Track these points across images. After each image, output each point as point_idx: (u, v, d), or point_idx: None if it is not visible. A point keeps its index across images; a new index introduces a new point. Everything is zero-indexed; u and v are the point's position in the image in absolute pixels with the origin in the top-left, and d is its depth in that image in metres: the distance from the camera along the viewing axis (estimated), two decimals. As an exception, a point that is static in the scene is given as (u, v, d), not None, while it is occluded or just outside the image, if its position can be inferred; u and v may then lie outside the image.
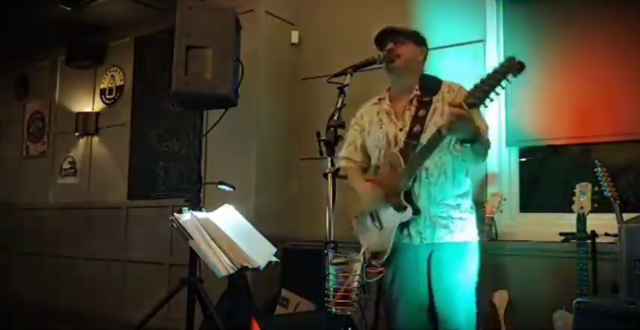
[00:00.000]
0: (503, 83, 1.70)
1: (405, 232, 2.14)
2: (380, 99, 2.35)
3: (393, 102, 2.29)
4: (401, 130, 2.19)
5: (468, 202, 2.23)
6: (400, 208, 2.08)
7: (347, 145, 2.40)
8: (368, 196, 2.22)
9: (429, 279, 2.15)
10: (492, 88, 1.72)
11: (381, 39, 2.27)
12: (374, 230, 2.21)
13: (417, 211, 2.06)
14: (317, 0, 4.15)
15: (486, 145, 2.12)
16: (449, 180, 2.16)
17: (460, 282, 2.15)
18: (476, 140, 1.97)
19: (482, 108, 1.86)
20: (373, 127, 2.30)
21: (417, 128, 2.11)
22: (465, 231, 2.18)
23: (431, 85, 2.19)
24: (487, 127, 2.18)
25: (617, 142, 3.01)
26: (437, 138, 1.95)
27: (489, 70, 1.73)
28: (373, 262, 2.17)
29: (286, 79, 4.08)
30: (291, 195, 3.98)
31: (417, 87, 2.21)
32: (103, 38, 5.22)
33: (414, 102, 2.19)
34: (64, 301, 5.02)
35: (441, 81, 2.23)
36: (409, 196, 2.08)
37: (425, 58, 2.32)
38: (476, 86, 1.75)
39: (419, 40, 2.29)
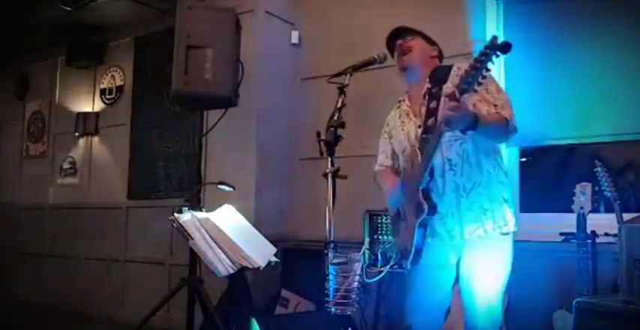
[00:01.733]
0: (489, 65, 1.65)
1: (430, 230, 2.01)
2: (400, 101, 2.30)
3: (411, 101, 2.23)
4: (420, 126, 2.11)
5: (502, 189, 2.08)
6: (419, 207, 1.96)
7: (380, 153, 2.36)
8: (389, 188, 2.17)
9: (456, 279, 2.08)
10: (479, 71, 1.66)
11: (391, 40, 2.23)
12: (403, 230, 2.10)
13: (432, 210, 1.92)
14: (317, 0, 4.15)
15: (495, 125, 1.97)
16: (474, 168, 2.04)
17: (488, 277, 2.04)
18: (476, 126, 1.86)
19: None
20: (396, 130, 2.25)
21: (430, 121, 2.02)
22: (497, 222, 2.04)
23: (441, 75, 2.10)
24: (503, 105, 2.02)
25: (617, 142, 3.01)
26: (436, 134, 1.88)
27: (476, 53, 1.70)
28: (404, 264, 2.05)
29: (286, 79, 4.08)
30: (291, 195, 3.98)
31: (428, 81, 2.14)
32: (103, 38, 5.22)
33: (426, 96, 2.12)
34: (64, 301, 5.01)
35: (451, 67, 2.12)
36: (427, 193, 1.96)
37: (439, 56, 2.25)
38: (466, 71, 1.70)
39: (429, 39, 2.24)
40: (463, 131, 1.87)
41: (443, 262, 2.09)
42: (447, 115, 1.75)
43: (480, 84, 1.69)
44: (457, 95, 1.70)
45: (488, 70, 1.66)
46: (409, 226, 2.01)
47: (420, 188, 1.93)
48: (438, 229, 2.04)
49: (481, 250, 2.03)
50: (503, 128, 1.98)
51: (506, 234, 2.05)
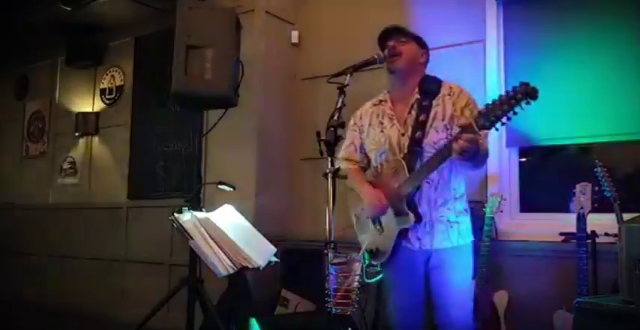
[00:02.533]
0: (517, 109, 1.67)
1: (404, 236, 2.16)
2: (380, 101, 2.33)
3: (394, 105, 2.27)
4: (403, 135, 2.18)
5: (464, 205, 2.24)
6: (402, 215, 2.10)
7: (346, 145, 2.40)
8: (370, 199, 2.21)
9: (426, 281, 2.20)
10: (505, 113, 1.68)
11: (384, 38, 2.25)
12: (375, 232, 2.23)
13: (419, 219, 2.08)
14: (317, 0, 4.15)
15: (485, 155, 2.11)
16: (446, 184, 2.17)
17: (457, 282, 2.18)
18: (477, 155, 1.95)
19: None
20: (373, 128, 2.29)
21: (418, 134, 2.12)
22: (461, 234, 2.20)
23: (431, 88, 2.19)
24: (486, 134, 2.11)
25: (617, 142, 3.01)
26: (444, 156, 1.94)
27: (502, 92, 1.70)
28: (373, 262, 2.22)
29: (286, 79, 4.08)
30: (291, 195, 3.98)
31: (417, 90, 2.20)
32: (103, 38, 5.22)
33: (415, 107, 2.18)
34: (64, 301, 5.01)
35: (441, 82, 2.22)
36: (411, 203, 2.09)
37: (426, 62, 2.30)
38: (487, 107, 1.71)
39: (421, 43, 2.28)
40: (469, 159, 1.94)
41: (414, 266, 2.20)
42: (464, 147, 1.79)
43: (503, 125, 1.72)
44: (475, 128, 1.74)
45: (515, 113, 1.68)
46: (385, 229, 2.18)
47: (406, 198, 2.08)
48: (411, 236, 2.16)
49: (449, 259, 2.17)
50: (485, 159, 2.13)
51: (465, 245, 2.22)
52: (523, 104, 1.65)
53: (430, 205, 2.15)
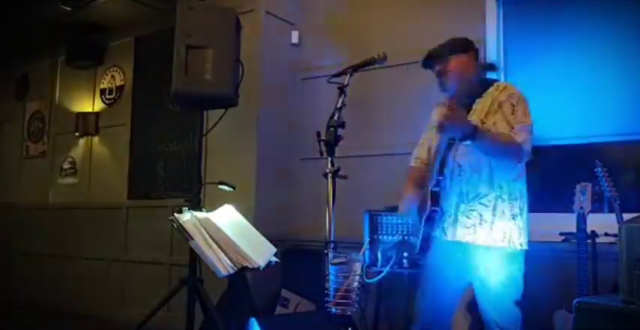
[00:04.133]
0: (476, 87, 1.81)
1: (435, 226, 2.17)
2: (439, 104, 2.35)
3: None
4: None
5: (510, 206, 2.14)
6: (425, 204, 2.15)
7: (419, 145, 2.45)
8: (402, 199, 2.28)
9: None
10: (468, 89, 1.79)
11: (427, 65, 2.27)
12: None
13: (434, 210, 2.10)
14: (317, 0, 4.15)
15: (499, 144, 2.05)
16: (484, 179, 2.12)
17: (496, 285, 2.14)
18: (473, 138, 1.95)
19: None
20: (432, 128, 2.31)
21: None
22: (494, 234, 2.11)
23: (481, 89, 2.20)
24: (520, 129, 2.08)
25: (617, 142, 3.01)
26: (442, 140, 2.01)
27: None
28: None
29: (286, 79, 4.08)
30: (291, 195, 3.98)
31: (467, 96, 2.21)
32: (103, 38, 5.22)
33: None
34: (64, 301, 5.01)
35: (494, 82, 2.22)
36: (435, 195, 2.11)
37: (476, 61, 2.26)
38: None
39: (463, 48, 2.24)
40: (461, 139, 1.99)
41: (446, 259, 2.19)
42: (439, 120, 1.89)
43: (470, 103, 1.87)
44: (455, 106, 1.85)
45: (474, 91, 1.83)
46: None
47: (431, 190, 2.11)
48: (437, 226, 2.17)
49: (480, 259, 2.14)
50: (509, 150, 2.05)
51: (500, 248, 2.12)
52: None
53: (461, 197, 2.14)
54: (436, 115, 2.34)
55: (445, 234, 2.17)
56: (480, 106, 2.16)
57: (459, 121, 1.91)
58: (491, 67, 1.75)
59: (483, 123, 2.09)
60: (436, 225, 2.17)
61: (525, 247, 2.18)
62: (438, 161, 2.11)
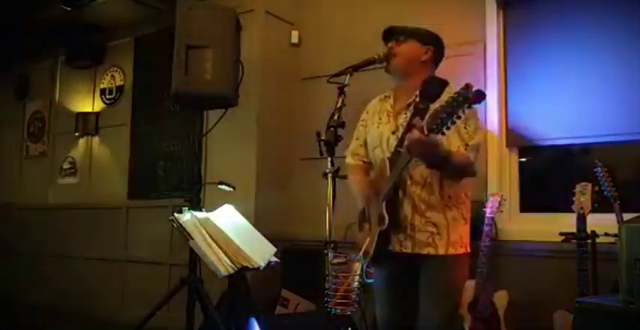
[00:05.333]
0: (460, 112, 1.62)
1: (390, 239, 2.05)
2: (386, 96, 2.27)
3: (395, 101, 2.20)
4: (393, 132, 2.11)
5: (459, 213, 2.09)
6: (381, 217, 2.00)
7: (354, 139, 2.34)
8: (361, 195, 2.17)
9: (409, 285, 2.11)
10: (450, 116, 1.64)
11: (385, 38, 2.21)
12: (367, 230, 2.13)
13: (393, 224, 1.97)
14: (317, 0, 4.15)
15: (461, 167, 1.99)
16: (436, 192, 2.05)
17: (439, 293, 2.06)
18: (442, 166, 1.88)
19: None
20: (372, 123, 2.24)
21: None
22: (450, 243, 2.05)
23: (432, 90, 2.04)
24: (474, 146, 2.00)
25: (616, 142, 3.01)
26: (403, 158, 1.88)
27: (453, 94, 1.64)
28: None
29: (286, 79, 4.08)
30: (291, 195, 3.98)
31: (417, 93, 2.07)
32: (103, 38, 5.22)
33: (411, 108, 2.08)
34: (64, 301, 5.01)
35: (447, 85, 2.06)
36: (392, 206, 1.99)
37: (432, 59, 2.17)
38: (436, 111, 1.67)
39: (425, 39, 2.15)
40: (429, 166, 1.92)
41: (399, 272, 2.12)
42: (410, 144, 1.76)
43: (448, 128, 1.67)
44: (425, 132, 1.70)
45: (459, 117, 1.64)
46: (372, 230, 2.06)
47: (383, 201, 1.98)
48: (393, 240, 2.05)
49: (432, 269, 2.06)
50: (466, 171, 2.03)
51: (454, 255, 2.06)
52: (465, 107, 1.60)
53: (414, 210, 2.04)
54: (372, 109, 2.27)
55: (401, 246, 2.05)
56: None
57: (432, 148, 1.78)
58: (476, 94, 1.61)
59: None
60: (391, 236, 2.04)
61: (468, 249, 2.14)
62: (395, 174, 1.97)
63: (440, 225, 2.05)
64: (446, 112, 1.64)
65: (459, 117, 1.64)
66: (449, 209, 2.07)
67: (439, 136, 1.75)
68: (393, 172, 1.97)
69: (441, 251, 2.04)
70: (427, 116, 1.74)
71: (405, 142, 1.79)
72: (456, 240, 2.07)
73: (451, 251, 2.05)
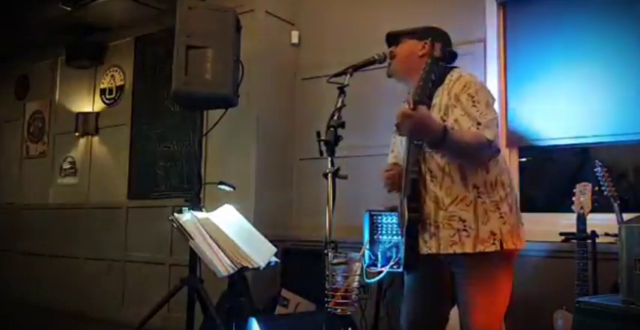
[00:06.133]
0: (432, 76, 1.62)
1: (417, 238, 1.93)
2: (403, 102, 2.15)
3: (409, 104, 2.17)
4: None
5: (492, 204, 1.88)
6: (402, 216, 1.95)
7: (390, 151, 2.27)
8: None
9: (440, 289, 2.03)
10: (426, 83, 1.62)
11: (389, 44, 2.17)
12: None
13: (414, 219, 1.87)
14: (317, 0, 4.15)
15: (470, 145, 1.82)
16: (457, 182, 1.88)
17: (468, 299, 1.90)
18: (442, 142, 1.75)
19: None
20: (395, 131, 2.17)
21: None
22: (479, 240, 1.85)
23: (440, 81, 1.94)
24: (488, 123, 1.84)
25: (617, 142, 3.01)
26: (407, 144, 1.83)
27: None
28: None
29: (286, 79, 4.08)
30: (291, 195, 3.98)
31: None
32: (103, 38, 5.22)
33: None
34: (64, 301, 5.01)
35: (448, 71, 1.97)
36: (413, 201, 1.90)
37: (432, 52, 2.03)
38: (419, 83, 1.68)
39: (422, 35, 2.08)
40: (430, 146, 1.81)
41: (428, 275, 2.03)
42: (397, 121, 1.69)
43: (430, 97, 1.64)
44: (412, 105, 1.65)
45: (433, 81, 1.63)
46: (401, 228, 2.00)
47: (406, 196, 1.91)
48: (420, 241, 1.93)
49: (463, 269, 1.91)
50: (480, 148, 1.84)
51: (492, 253, 1.85)
52: (435, 68, 1.63)
53: (437, 204, 1.90)
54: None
55: (427, 247, 1.91)
56: (439, 100, 1.93)
57: (423, 121, 1.67)
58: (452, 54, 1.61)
59: (443, 120, 1.86)
60: (417, 236, 1.92)
61: (519, 246, 1.94)
62: (405, 163, 1.88)
63: (467, 219, 1.86)
64: (424, 80, 1.63)
65: (433, 81, 1.62)
66: (479, 200, 1.87)
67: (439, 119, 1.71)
68: (405, 162, 1.92)
69: (468, 249, 1.84)
70: (412, 90, 1.70)
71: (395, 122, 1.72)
72: (486, 236, 1.84)
73: (479, 248, 1.83)
